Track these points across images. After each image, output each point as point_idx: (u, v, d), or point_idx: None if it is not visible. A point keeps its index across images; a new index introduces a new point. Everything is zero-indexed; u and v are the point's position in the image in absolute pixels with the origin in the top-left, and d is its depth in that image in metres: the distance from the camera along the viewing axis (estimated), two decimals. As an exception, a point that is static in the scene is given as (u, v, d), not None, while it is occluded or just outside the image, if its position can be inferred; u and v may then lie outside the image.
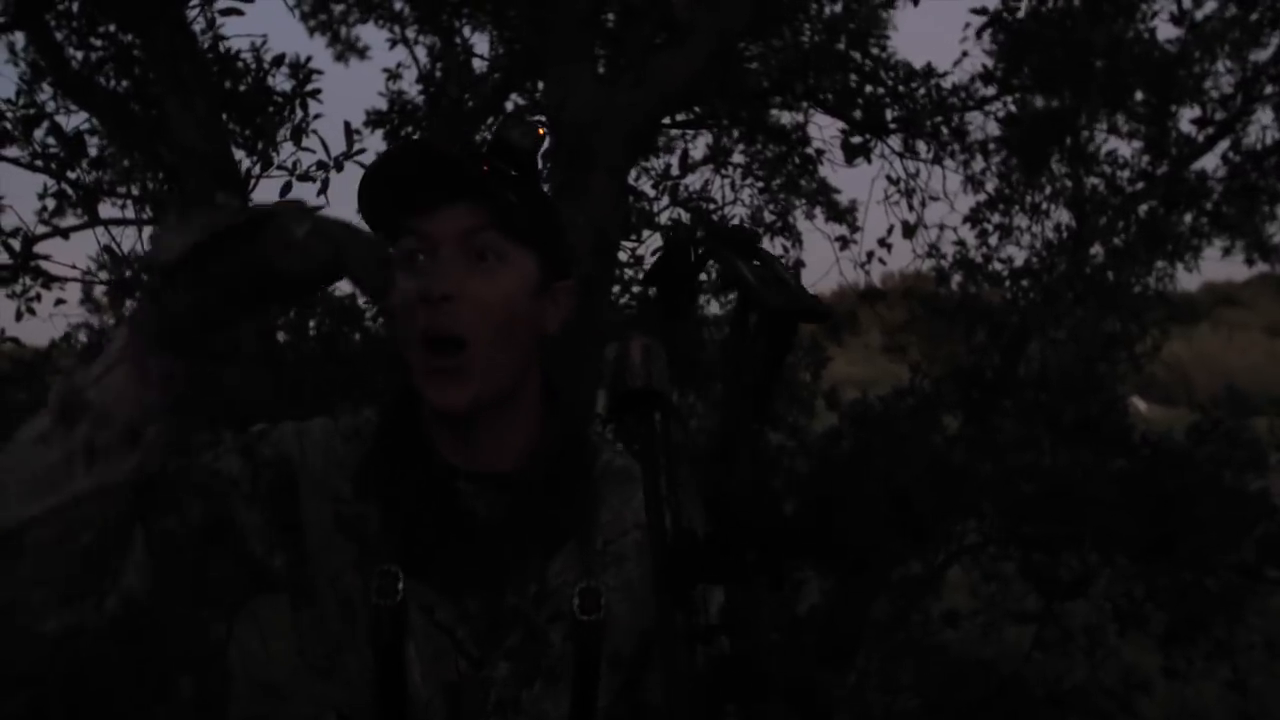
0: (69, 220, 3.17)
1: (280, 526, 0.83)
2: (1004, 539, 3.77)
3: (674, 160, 3.86)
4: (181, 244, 0.68)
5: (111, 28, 2.87)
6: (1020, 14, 3.91)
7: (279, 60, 2.81)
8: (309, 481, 0.84)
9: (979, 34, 3.97)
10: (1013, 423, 3.85)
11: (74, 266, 2.92)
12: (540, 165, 0.87)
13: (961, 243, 4.44)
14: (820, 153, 4.20)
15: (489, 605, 0.82)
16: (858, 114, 4.02)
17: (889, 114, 4.04)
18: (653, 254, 3.46)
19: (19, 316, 2.98)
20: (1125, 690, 3.65)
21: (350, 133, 2.54)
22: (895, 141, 4.17)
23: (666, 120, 3.78)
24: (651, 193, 3.51)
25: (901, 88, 3.99)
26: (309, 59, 2.84)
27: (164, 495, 0.78)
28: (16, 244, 2.74)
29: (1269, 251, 4.57)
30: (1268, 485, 3.84)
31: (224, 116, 2.62)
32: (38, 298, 2.97)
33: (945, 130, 4.15)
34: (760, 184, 4.34)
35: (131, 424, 0.71)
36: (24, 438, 0.71)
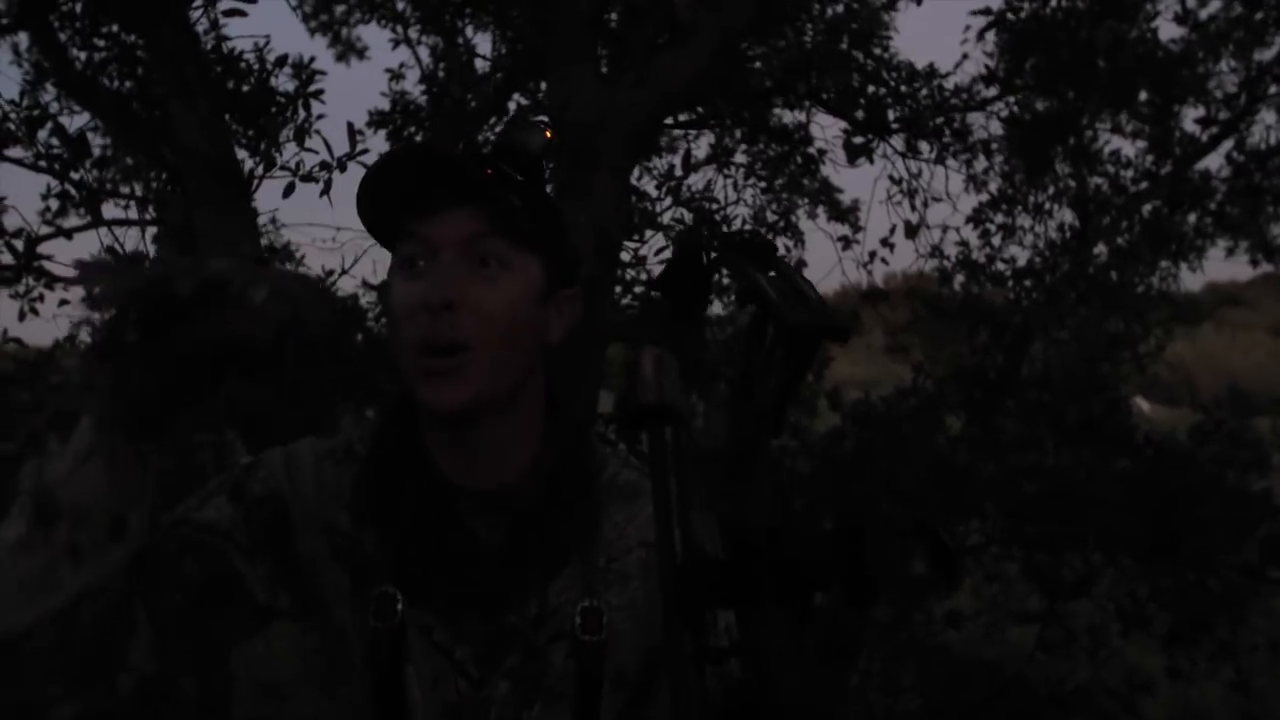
0: (72, 221, 3.18)
1: (281, 569, 0.80)
2: (1007, 539, 3.76)
3: (677, 160, 3.86)
4: (116, 287, 0.64)
5: (115, 28, 2.88)
6: (1023, 14, 3.90)
7: (282, 61, 2.81)
8: (301, 514, 0.81)
9: (981, 34, 3.97)
10: (1016, 423, 3.85)
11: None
12: (544, 167, 0.85)
13: (964, 243, 4.44)
14: (822, 153, 4.20)
15: (489, 625, 0.80)
16: (860, 114, 4.01)
17: (891, 114, 4.03)
18: (656, 253, 3.46)
19: (22, 317, 2.99)
20: (1128, 691, 3.64)
21: (353, 133, 2.54)
22: (898, 141, 4.17)
23: (669, 120, 3.78)
24: (654, 193, 3.50)
25: (904, 88, 3.98)
26: (312, 59, 2.84)
27: (158, 564, 0.75)
28: (20, 244, 2.75)
29: (1273, 252, 4.56)
30: (1270, 486, 3.84)
31: (227, 117, 2.62)
32: (40, 298, 2.98)
33: (947, 131, 4.14)
34: (763, 184, 4.34)
35: (113, 517, 0.68)
36: (2, 542, 0.68)
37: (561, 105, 2.69)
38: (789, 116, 4.19)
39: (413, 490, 0.81)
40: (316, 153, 2.57)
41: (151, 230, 3.05)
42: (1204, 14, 4.05)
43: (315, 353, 0.68)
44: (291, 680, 0.81)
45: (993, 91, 4.07)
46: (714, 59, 2.78)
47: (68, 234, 3.01)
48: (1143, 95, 4.11)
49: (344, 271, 3.19)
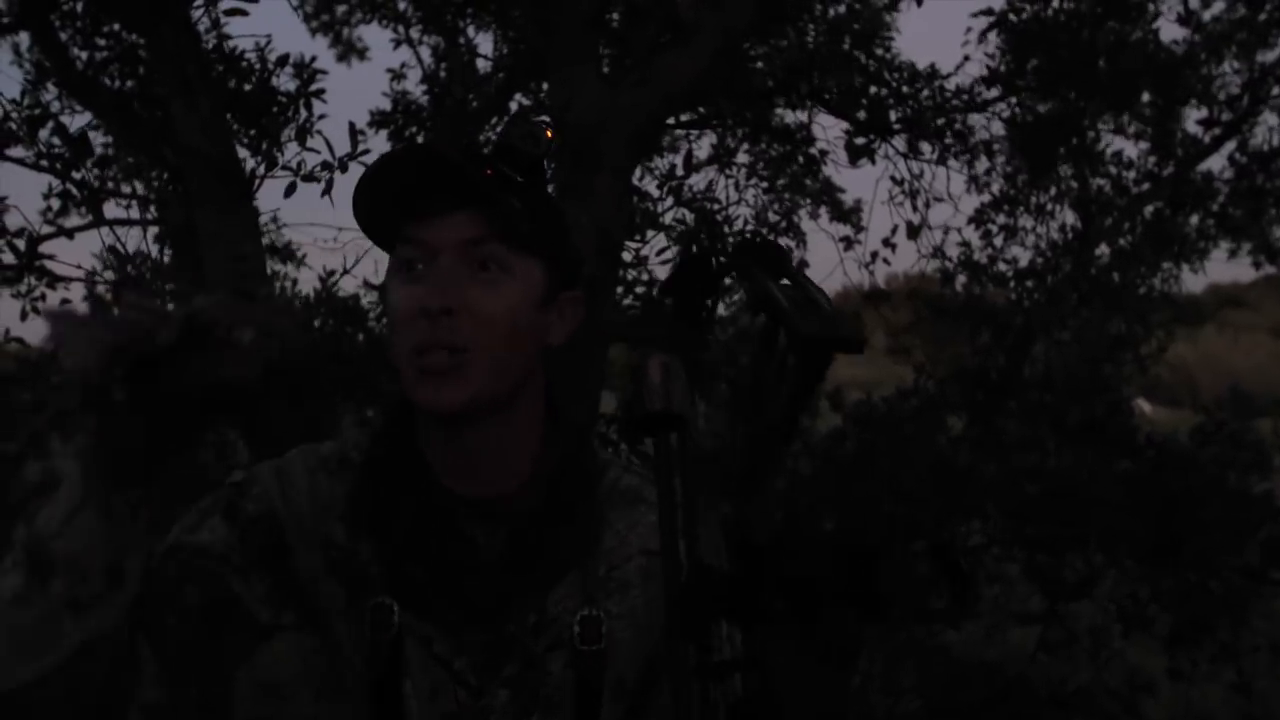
0: (74, 220, 3.18)
1: (280, 587, 0.79)
2: (1008, 540, 3.76)
3: (678, 160, 3.85)
4: (96, 354, 0.61)
5: (116, 28, 2.87)
6: (1024, 15, 3.90)
7: (283, 60, 2.81)
8: (296, 530, 0.80)
9: (983, 35, 3.97)
10: (1017, 424, 3.84)
11: (78, 266, 2.92)
12: (546, 168, 0.83)
13: (966, 244, 4.44)
14: (824, 153, 4.19)
15: (487, 635, 0.79)
16: (862, 114, 4.01)
17: (893, 115, 4.03)
18: (657, 253, 3.46)
19: (24, 316, 2.99)
20: (1130, 692, 3.64)
21: (355, 133, 2.54)
22: (899, 142, 4.17)
23: (671, 120, 3.78)
24: (656, 193, 3.50)
25: (906, 88, 3.98)
26: (313, 59, 2.84)
27: (158, 595, 0.74)
28: (21, 244, 2.75)
29: (1276, 254, 4.56)
30: (1272, 487, 3.84)
31: (228, 116, 2.62)
32: (42, 297, 2.98)
33: (949, 132, 4.14)
34: (765, 184, 4.33)
35: (111, 566, 0.67)
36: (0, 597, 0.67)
37: (563, 105, 2.68)
38: (791, 117, 4.19)
39: (409, 499, 0.80)
40: (318, 152, 2.57)
41: (153, 230, 3.05)
42: (1207, 15, 4.05)
43: (300, 385, 0.67)
44: (291, 681, 0.80)
45: (994, 93, 4.07)
46: (716, 59, 2.78)
47: (69, 233, 3.01)
48: (1145, 96, 4.11)
49: (345, 271, 3.19)
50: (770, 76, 3.85)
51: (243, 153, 2.64)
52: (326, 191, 2.52)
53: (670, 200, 3.44)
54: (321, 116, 2.73)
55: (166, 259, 3.01)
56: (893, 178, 4.26)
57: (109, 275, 3.08)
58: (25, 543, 0.67)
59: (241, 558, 0.78)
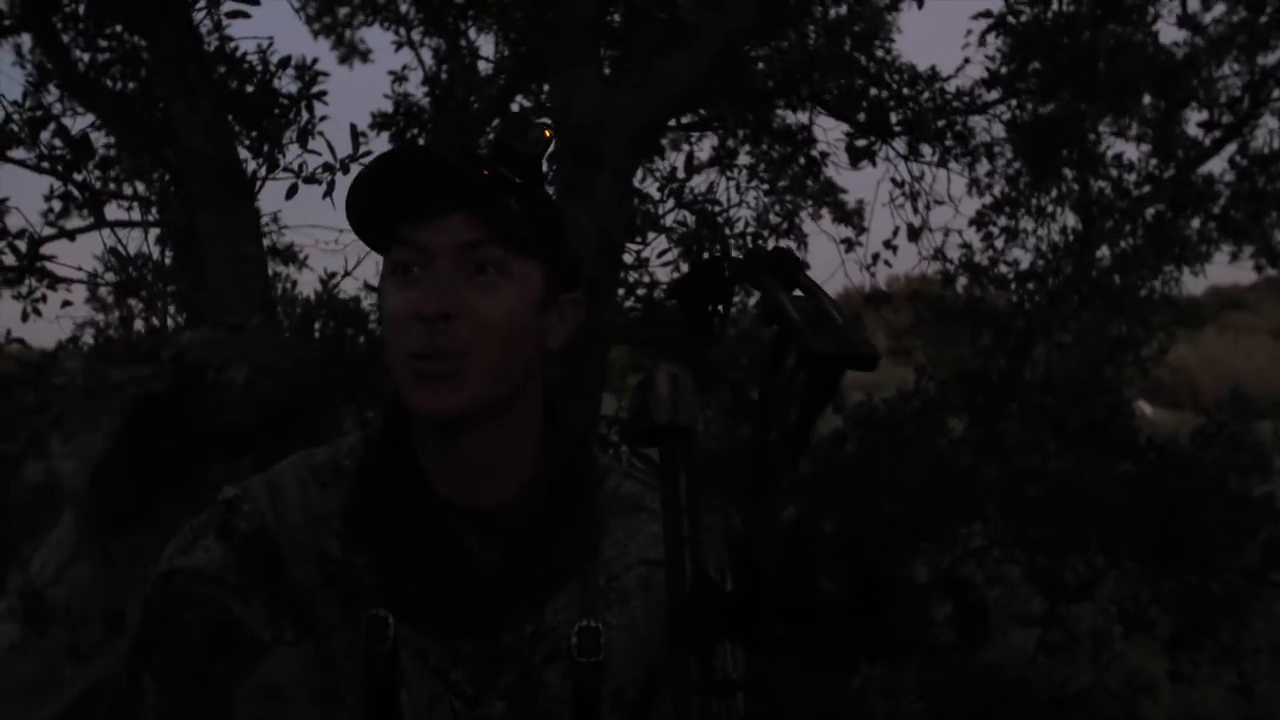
0: (75, 222, 3.18)
1: (278, 604, 0.78)
2: (1009, 542, 3.76)
3: (679, 162, 3.85)
4: (102, 439, 0.61)
5: (118, 30, 2.88)
6: (1024, 17, 3.90)
7: (285, 62, 2.81)
8: (290, 545, 0.79)
9: (983, 37, 3.97)
10: (1018, 426, 3.85)
11: (80, 268, 2.93)
12: (545, 169, 0.82)
13: (967, 245, 4.43)
14: (825, 155, 4.19)
15: (483, 646, 0.78)
16: (862, 116, 4.01)
17: (894, 117, 4.03)
18: (658, 255, 3.46)
19: (25, 317, 2.99)
20: (1131, 694, 3.64)
21: (356, 135, 2.54)
22: (900, 144, 4.17)
23: (672, 122, 3.78)
24: (657, 195, 3.50)
25: (906, 90, 3.98)
26: (315, 61, 2.84)
27: (156, 625, 0.73)
28: (23, 245, 2.75)
29: (1278, 257, 4.56)
30: (1273, 489, 3.84)
31: (230, 118, 2.62)
32: (44, 299, 2.98)
33: (949, 134, 4.14)
34: (766, 186, 4.33)
35: (110, 612, 0.66)
36: None
37: (564, 107, 2.69)
38: (792, 118, 4.19)
39: (405, 509, 0.79)
40: (319, 154, 2.57)
41: (154, 231, 3.05)
42: (1207, 18, 4.05)
43: (300, 423, 0.65)
44: (292, 682, 0.80)
45: (995, 95, 4.07)
46: (717, 61, 2.78)
47: (70, 235, 3.00)
48: (1146, 99, 4.11)
49: (347, 274, 3.20)
50: (771, 78, 3.85)
51: (244, 154, 2.64)
52: (328, 193, 2.52)
53: (671, 202, 3.44)
54: (323, 118, 2.73)
55: (168, 261, 3.02)
56: (893, 180, 4.27)
57: (110, 277, 3.08)
58: (20, 590, 0.66)
59: (239, 578, 0.77)
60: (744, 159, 4.25)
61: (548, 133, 0.76)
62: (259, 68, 2.79)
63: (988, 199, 4.35)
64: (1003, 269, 4.40)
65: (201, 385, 0.62)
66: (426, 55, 4.13)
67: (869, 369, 0.49)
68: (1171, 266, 4.44)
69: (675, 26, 3.04)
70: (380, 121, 3.87)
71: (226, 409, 0.62)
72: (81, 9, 2.84)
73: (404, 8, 4.14)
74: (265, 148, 2.64)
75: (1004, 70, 3.97)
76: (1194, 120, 4.19)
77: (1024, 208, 4.35)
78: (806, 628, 0.44)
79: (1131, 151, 4.52)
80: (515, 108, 3.91)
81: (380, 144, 4.05)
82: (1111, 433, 3.73)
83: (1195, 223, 4.36)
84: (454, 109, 3.78)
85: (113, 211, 3.01)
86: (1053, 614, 3.69)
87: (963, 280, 4.46)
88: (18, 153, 2.74)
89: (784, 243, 4.27)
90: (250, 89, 2.76)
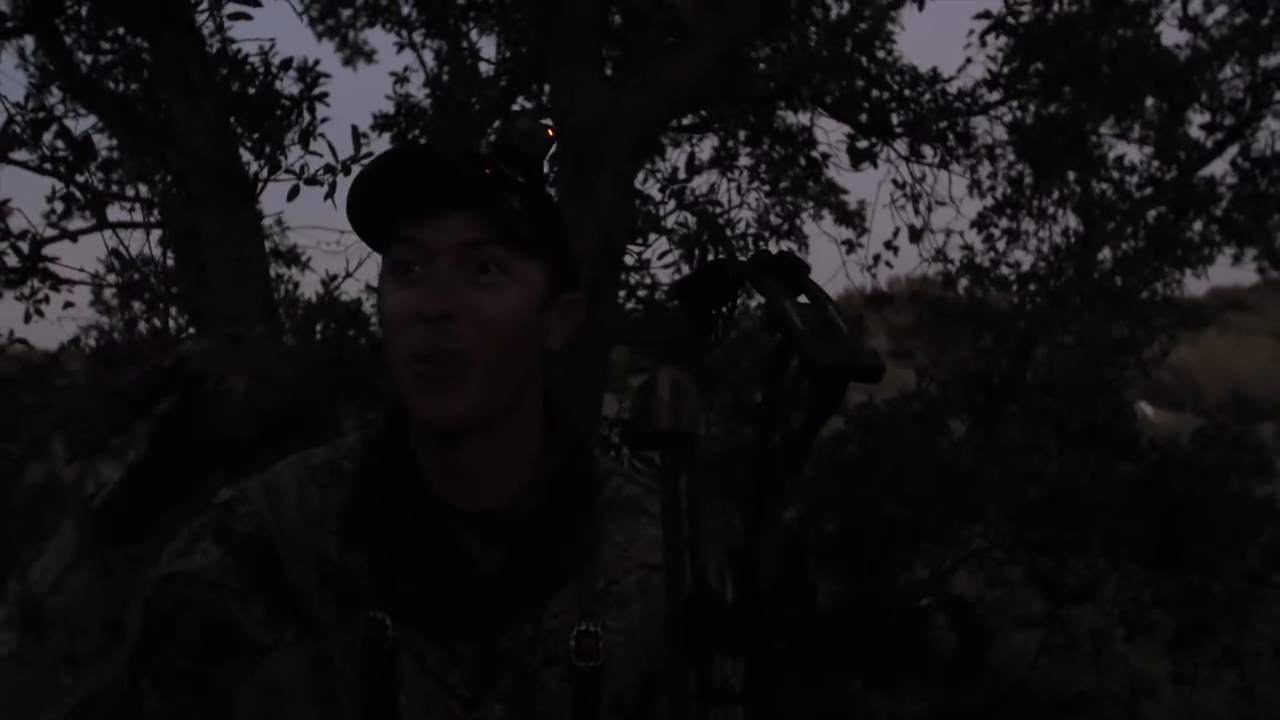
0: (77, 223, 3.18)
1: (277, 606, 0.78)
2: (1010, 544, 3.76)
3: (680, 163, 3.85)
4: (120, 460, 0.62)
5: (120, 31, 2.88)
6: (1025, 18, 3.90)
7: (287, 64, 2.81)
8: (289, 547, 0.79)
9: (983, 38, 3.97)
10: (1019, 428, 3.84)
11: (82, 269, 2.93)
12: (546, 169, 0.81)
13: (968, 247, 4.43)
14: (826, 156, 4.19)
15: (482, 647, 0.78)
16: (864, 118, 4.01)
17: (895, 118, 4.03)
18: (659, 256, 3.46)
19: (27, 318, 2.99)
20: (1132, 696, 3.63)
21: (358, 136, 2.54)
22: (901, 145, 4.17)
23: (673, 123, 3.78)
24: (658, 196, 3.50)
25: (907, 92, 3.97)
26: (317, 62, 2.84)
27: (156, 630, 0.73)
28: (25, 246, 2.75)
29: (1280, 260, 4.55)
30: (1274, 491, 3.84)
31: (232, 120, 2.62)
32: (46, 300, 2.98)
33: (951, 134, 4.13)
34: (767, 187, 4.33)
35: (109, 621, 0.66)
36: None
37: (565, 108, 2.69)
38: (793, 119, 4.19)
39: (404, 511, 0.78)
40: (321, 156, 2.57)
41: (156, 233, 3.05)
42: (1209, 20, 4.05)
43: (301, 430, 0.65)
44: (292, 682, 0.80)
45: (996, 96, 4.07)
46: (717, 62, 2.78)
47: (73, 236, 3.01)
48: (1148, 101, 4.11)
49: (348, 274, 3.20)
50: (772, 79, 3.85)
51: (246, 156, 2.64)
52: (329, 195, 2.52)
53: (672, 203, 3.44)
54: (325, 120, 2.73)
55: (170, 262, 3.02)
56: (894, 181, 4.27)
57: (112, 278, 3.09)
58: (19, 599, 0.65)
59: (237, 581, 0.77)
60: (745, 160, 4.25)
61: (550, 132, 0.76)
62: (261, 69, 2.80)
63: (989, 201, 4.35)
64: (1004, 270, 4.39)
65: (201, 394, 0.61)
66: (428, 56, 4.13)
67: (874, 381, 0.48)
68: (1173, 269, 4.43)
69: (676, 28, 3.04)
70: (382, 123, 3.87)
71: (227, 419, 0.61)
72: (84, 11, 2.85)
73: (405, 9, 4.15)
74: (267, 149, 2.65)
75: (1005, 71, 3.96)
76: (1196, 122, 4.20)
77: (1025, 209, 4.34)
78: (804, 645, 0.44)
79: (1133, 153, 4.51)
80: (517, 109, 3.91)
81: (381, 145, 4.06)
82: (1113, 434, 3.73)
83: (1197, 225, 4.35)
84: (455, 110, 3.79)
85: (115, 213, 3.02)
86: (1054, 616, 3.69)
87: (964, 282, 4.45)
88: (20, 154, 2.74)
89: (785, 244, 4.26)
90: (252, 91, 2.77)
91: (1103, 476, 3.58)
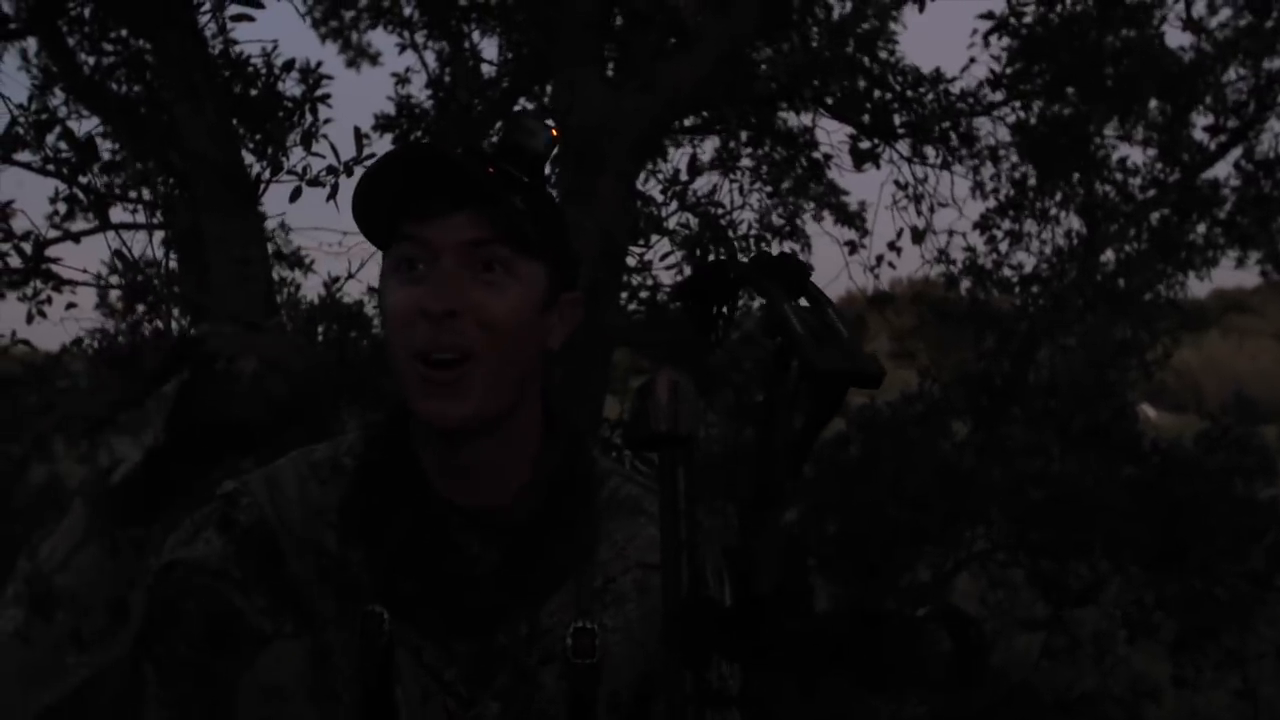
0: (80, 224, 3.19)
1: (278, 597, 0.79)
2: (1012, 545, 3.76)
3: (682, 164, 3.85)
4: (141, 446, 0.63)
5: (123, 33, 2.89)
6: (1028, 19, 3.90)
7: (289, 65, 2.82)
8: (289, 540, 0.80)
9: (986, 39, 3.97)
10: (1022, 429, 3.84)
11: (85, 270, 2.93)
12: (548, 170, 0.83)
13: (971, 248, 4.43)
14: (828, 157, 4.19)
15: (479, 645, 0.78)
16: (866, 119, 4.00)
17: (897, 119, 4.03)
18: (661, 258, 3.46)
19: (30, 319, 3.00)
20: (1134, 698, 3.63)
21: (359, 138, 2.54)
22: (903, 146, 4.16)
23: (674, 124, 3.78)
24: (659, 197, 3.50)
25: (910, 92, 3.97)
26: (319, 64, 2.84)
27: (159, 617, 0.73)
28: (28, 248, 2.75)
29: (1286, 263, 4.53)
30: (1277, 494, 3.83)
31: (234, 121, 2.63)
32: (49, 301, 2.98)
33: (954, 135, 4.13)
34: (769, 188, 4.33)
35: (114, 601, 0.66)
36: (1, 630, 0.65)
37: (566, 109, 2.69)
38: (795, 120, 4.19)
39: (404, 509, 0.79)
40: (323, 157, 2.57)
41: (159, 234, 3.06)
42: (1213, 22, 4.04)
43: (304, 420, 0.66)
44: (293, 681, 0.81)
45: (999, 96, 4.06)
46: (719, 64, 2.79)
47: (76, 238, 3.02)
48: (1151, 103, 4.10)
49: (350, 276, 3.20)
50: (774, 80, 3.85)
51: (248, 157, 2.65)
52: (331, 196, 2.52)
53: (674, 204, 3.44)
54: (327, 121, 2.73)
55: (173, 264, 3.02)
56: (896, 182, 4.26)
57: (115, 279, 3.09)
58: (27, 576, 0.66)
59: (240, 570, 0.77)
60: (747, 161, 4.25)
61: (555, 132, 0.76)
62: (263, 71, 2.80)
63: (992, 202, 4.34)
64: (1007, 272, 4.39)
65: (212, 374, 0.62)
66: (430, 58, 4.14)
67: (873, 387, 0.48)
68: (1176, 271, 4.42)
69: (678, 29, 3.04)
70: (383, 124, 3.87)
71: (235, 400, 0.62)
72: (87, 13, 2.85)
73: (407, 10, 4.15)
74: (269, 150, 2.65)
75: (1008, 72, 3.96)
76: (1200, 124, 4.19)
77: (1028, 211, 4.34)
78: (801, 650, 0.44)
79: (1137, 155, 4.51)
80: (518, 109, 3.91)
81: (383, 146, 4.06)
82: (1115, 436, 3.72)
83: (1201, 228, 4.34)
84: (457, 111, 3.79)
85: (118, 214, 3.02)
86: (1056, 618, 3.68)
87: (966, 283, 4.45)
88: (23, 155, 2.75)
89: (787, 245, 4.26)
90: (254, 92, 2.77)
91: (1105, 478, 3.58)
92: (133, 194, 3.11)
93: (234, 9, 2.63)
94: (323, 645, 0.79)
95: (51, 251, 2.80)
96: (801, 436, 0.48)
